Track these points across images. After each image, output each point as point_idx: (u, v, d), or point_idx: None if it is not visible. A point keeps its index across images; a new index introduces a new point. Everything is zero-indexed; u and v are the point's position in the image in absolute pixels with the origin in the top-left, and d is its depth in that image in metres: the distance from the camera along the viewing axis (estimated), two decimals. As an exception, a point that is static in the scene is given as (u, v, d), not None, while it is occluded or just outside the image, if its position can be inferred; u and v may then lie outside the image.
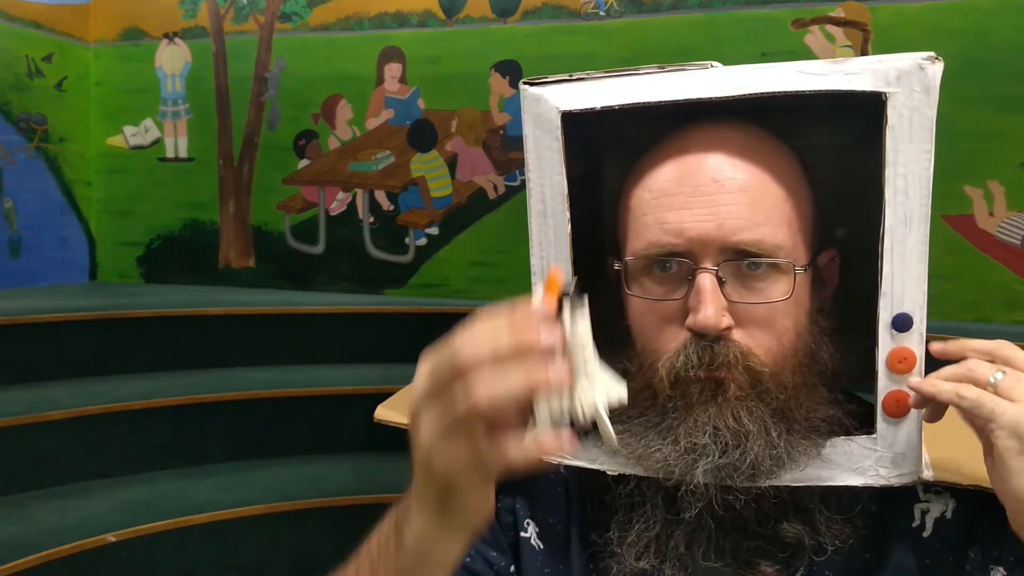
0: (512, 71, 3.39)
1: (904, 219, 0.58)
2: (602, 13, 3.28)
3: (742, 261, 0.62)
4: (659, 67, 0.62)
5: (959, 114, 2.69)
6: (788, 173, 0.65)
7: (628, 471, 0.64)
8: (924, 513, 0.66)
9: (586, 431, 0.49)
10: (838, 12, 2.97)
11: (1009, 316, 2.81)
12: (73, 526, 2.17)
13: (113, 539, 2.15)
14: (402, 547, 0.53)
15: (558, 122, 0.62)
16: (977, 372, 0.56)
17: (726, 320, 0.61)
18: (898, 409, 0.61)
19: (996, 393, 0.55)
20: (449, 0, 3.47)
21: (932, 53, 0.58)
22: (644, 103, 0.61)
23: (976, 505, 0.65)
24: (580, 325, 0.49)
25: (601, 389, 0.49)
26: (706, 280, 0.61)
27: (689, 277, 0.62)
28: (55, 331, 2.79)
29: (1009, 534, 0.64)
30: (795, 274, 0.63)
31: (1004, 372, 0.56)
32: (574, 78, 0.63)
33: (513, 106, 3.38)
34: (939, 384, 0.57)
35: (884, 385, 0.60)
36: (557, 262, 0.64)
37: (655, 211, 0.63)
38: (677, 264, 0.63)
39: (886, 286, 0.59)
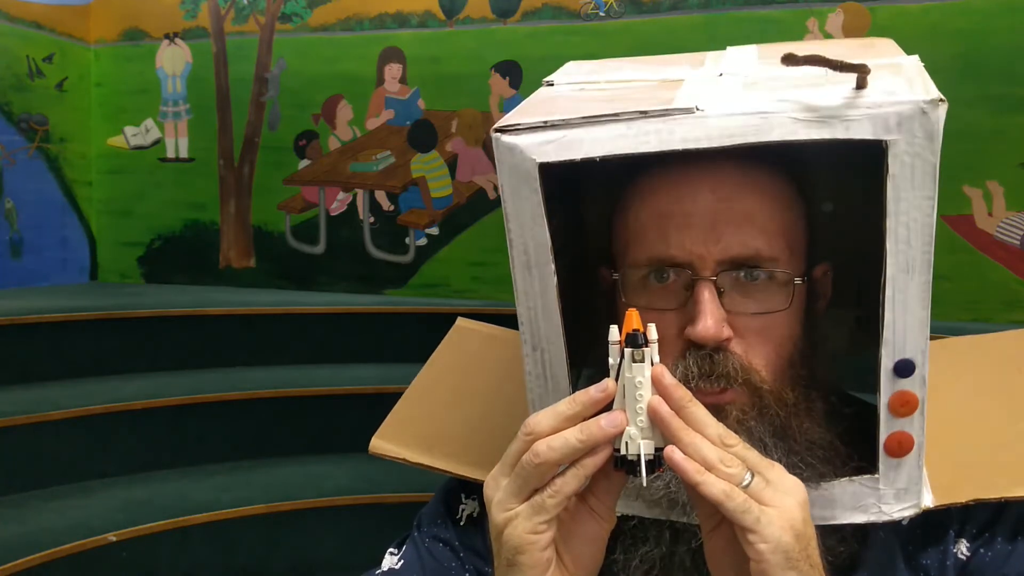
0: (512, 71, 3.39)
1: (906, 267, 0.57)
2: (602, 14, 3.29)
3: (740, 271, 0.62)
4: (641, 112, 0.57)
5: (959, 114, 2.67)
6: (782, 189, 0.66)
7: (631, 512, 0.64)
8: None
9: (627, 466, 0.55)
10: (837, 13, 2.98)
11: (1008, 316, 2.81)
12: (73, 526, 2.18)
13: (114, 538, 2.15)
14: None
15: (536, 173, 0.58)
16: (733, 470, 0.53)
17: (726, 331, 0.61)
18: (900, 449, 0.60)
19: (750, 496, 0.52)
20: (449, 1, 3.48)
21: (938, 95, 0.54)
22: (627, 154, 0.58)
23: None
24: (638, 372, 0.54)
25: (648, 436, 0.54)
26: (705, 290, 0.61)
27: (687, 288, 0.62)
28: (55, 331, 2.80)
29: (972, 506, 0.65)
30: (793, 285, 0.63)
31: (752, 475, 0.53)
32: (548, 124, 0.59)
33: (513, 107, 3.39)
34: (707, 475, 0.52)
35: (886, 428, 0.60)
36: (544, 312, 0.62)
37: (656, 223, 0.64)
38: (675, 274, 0.63)
39: (888, 334, 0.58)
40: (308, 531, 2.42)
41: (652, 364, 0.55)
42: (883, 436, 0.60)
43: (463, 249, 3.52)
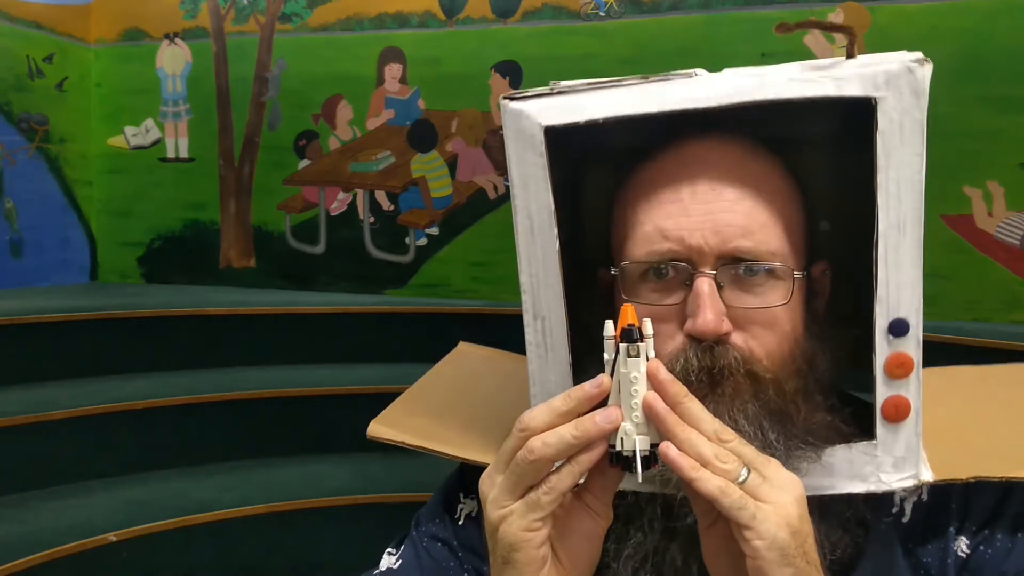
0: (512, 72, 3.39)
1: (898, 224, 0.58)
2: (602, 14, 3.28)
3: (739, 267, 0.62)
4: (642, 77, 0.60)
5: (959, 114, 2.69)
6: (781, 185, 0.66)
7: (624, 487, 0.64)
8: (903, 499, 0.67)
9: (622, 462, 0.54)
10: (837, 13, 2.98)
11: (1008, 316, 2.81)
12: (73, 526, 2.17)
13: (115, 538, 2.15)
14: None
15: (541, 137, 0.61)
16: (728, 466, 0.53)
17: (726, 325, 0.61)
18: (897, 414, 0.61)
19: (745, 492, 0.52)
20: (449, 0, 3.48)
21: (920, 55, 0.57)
22: (629, 115, 0.59)
23: (947, 484, 0.65)
24: (634, 367, 0.54)
25: (643, 432, 0.54)
26: (704, 284, 0.61)
27: (687, 282, 0.63)
28: (55, 331, 2.79)
29: (972, 503, 0.65)
30: (792, 280, 0.63)
31: (748, 471, 0.53)
32: (555, 91, 0.61)
33: (513, 106, 3.38)
34: (703, 472, 0.52)
35: (882, 391, 0.60)
36: (546, 279, 0.63)
37: (654, 219, 0.64)
38: (674, 269, 0.63)
39: (881, 292, 0.59)
40: (308, 531, 2.42)
41: (647, 359, 0.54)
42: (879, 400, 0.61)
43: (463, 249, 3.52)
